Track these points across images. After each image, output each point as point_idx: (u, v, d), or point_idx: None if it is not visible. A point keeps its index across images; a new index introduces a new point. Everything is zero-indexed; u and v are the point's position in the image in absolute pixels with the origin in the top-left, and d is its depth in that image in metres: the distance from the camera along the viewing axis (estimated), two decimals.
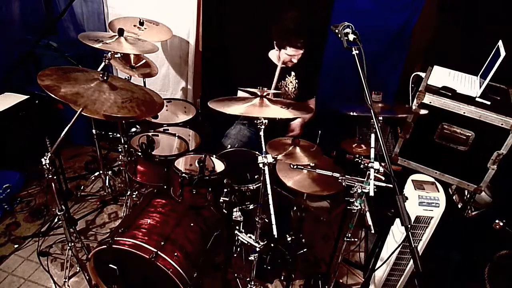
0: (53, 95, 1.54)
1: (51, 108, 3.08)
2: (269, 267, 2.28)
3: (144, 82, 2.92)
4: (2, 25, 3.14)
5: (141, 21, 2.72)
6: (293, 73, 2.59)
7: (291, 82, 2.60)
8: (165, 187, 2.18)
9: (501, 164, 2.01)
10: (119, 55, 2.44)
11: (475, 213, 2.43)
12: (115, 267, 1.91)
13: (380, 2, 2.64)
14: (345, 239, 2.04)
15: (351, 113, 1.90)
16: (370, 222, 1.83)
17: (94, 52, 2.29)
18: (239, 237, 1.96)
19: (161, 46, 3.17)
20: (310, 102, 2.71)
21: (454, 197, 2.57)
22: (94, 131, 2.71)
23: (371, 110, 1.44)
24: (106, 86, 1.73)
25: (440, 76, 2.31)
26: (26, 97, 3.01)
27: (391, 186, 1.29)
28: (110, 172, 3.04)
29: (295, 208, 2.40)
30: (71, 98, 1.58)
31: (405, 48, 2.77)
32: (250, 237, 1.93)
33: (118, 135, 2.40)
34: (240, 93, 2.58)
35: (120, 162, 2.61)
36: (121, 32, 2.30)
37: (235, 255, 2.32)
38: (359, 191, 1.79)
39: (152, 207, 2.14)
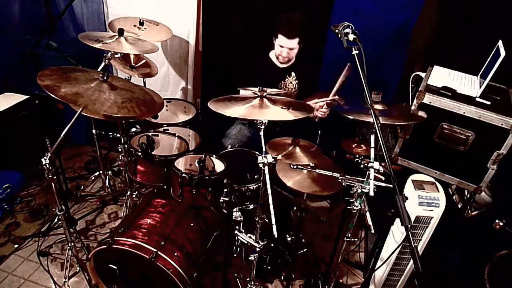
0: (53, 95, 1.54)
1: (51, 108, 3.09)
2: (269, 267, 2.28)
3: (144, 82, 2.92)
4: (2, 25, 3.14)
5: (141, 21, 2.72)
6: (293, 74, 2.59)
7: (291, 82, 2.59)
8: (165, 187, 2.18)
9: (501, 164, 2.01)
10: (119, 55, 2.44)
11: (475, 213, 2.43)
12: (115, 267, 1.91)
13: (380, 2, 2.64)
14: (345, 239, 2.04)
15: (349, 117, 1.90)
16: (370, 222, 1.83)
17: (94, 52, 2.29)
18: (239, 237, 1.96)
19: (161, 46, 3.17)
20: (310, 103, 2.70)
21: (454, 197, 2.57)
22: (94, 131, 2.71)
23: (371, 111, 1.44)
24: (106, 86, 1.73)
25: (440, 76, 2.31)
26: (26, 97, 3.02)
27: (391, 186, 1.29)
28: (110, 172, 3.04)
29: (295, 208, 2.41)
30: (71, 98, 1.58)
31: (405, 48, 2.77)
32: (250, 237, 1.93)
33: (118, 135, 2.40)
34: (242, 92, 2.57)
35: (120, 162, 2.61)
36: (121, 32, 2.30)
37: (235, 255, 2.32)
38: (359, 191, 1.79)
39: (152, 207, 2.14)
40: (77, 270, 2.28)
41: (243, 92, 2.46)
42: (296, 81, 2.60)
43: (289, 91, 2.60)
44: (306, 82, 2.63)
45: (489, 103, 2.03)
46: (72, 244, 2.07)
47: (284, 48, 2.42)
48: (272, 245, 2.21)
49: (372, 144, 1.73)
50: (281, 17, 2.37)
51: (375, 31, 2.65)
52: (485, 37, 2.32)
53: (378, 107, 2.00)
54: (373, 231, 1.87)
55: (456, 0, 2.58)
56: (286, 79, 2.59)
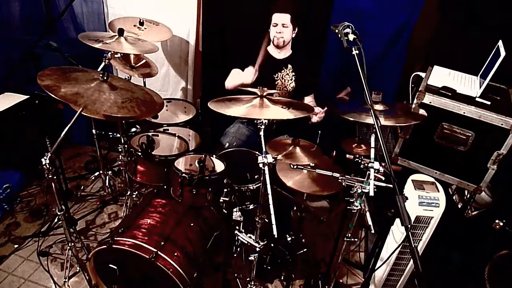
0: (53, 95, 1.54)
1: (51, 108, 3.08)
2: (269, 267, 2.28)
3: (144, 82, 2.92)
4: (2, 25, 3.14)
5: (141, 21, 2.72)
6: (289, 66, 2.60)
7: (287, 74, 2.60)
8: (165, 187, 2.18)
9: (501, 164, 2.01)
10: (119, 55, 2.44)
11: (475, 213, 2.43)
12: (115, 267, 1.91)
13: (380, 2, 2.64)
14: (345, 239, 2.04)
15: (349, 119, 1.90)
16: (370, 222, 1.83)
17: (94, 52, 2.29)
18: (239, 237, 1.96)
19: (161, 46, 3.17)
20: (306, 99, 2.71)
21: (454, 197, 2.57)
22: (94, 131, 2.71)
23: (371, 110, 1.44)
24: (106, 86, 1.73)
25: (440, 76, 2.31)
26: (26, 97, 3.01)
27: (391, 186, 1.29)
28: (110, 172, 3.04)
29: (295, 208, 2.41)
30: (71, 98, 1.58)
31: (405, 48, 2.77)
32: (250, 237, 1.93)
33: (118, 135, 2.40)
34: (235, 72, 2.59)
35: (120, 162, 2.61)
36: (121, 32, 2.30)
37: (235, 255, 2.32)
38: (359, 191, 1.79)
39: (152, 207, 2.14)
40: (77, 270, 2.28)
41: (233, 80, 2.47)
42: (293, 73, 2.61)
43: (285, 82, 2.61)
44: (303, 76, 2.62)
45: (489, 103, 2.03)
46: (72, 244, 2.06)
47: (277, 27, 2.45)
48: (272, 245, 2.21)
49: (372, 144, 1.73)
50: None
51: (375, 31, 2.66)
52: (485, 37, 2.32)
53: (378, 107, 2.00)
54: (373, 231, 1.87)
55: (456, 0, 2.58)
56: (283, 71, 2.60)
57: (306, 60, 2.68)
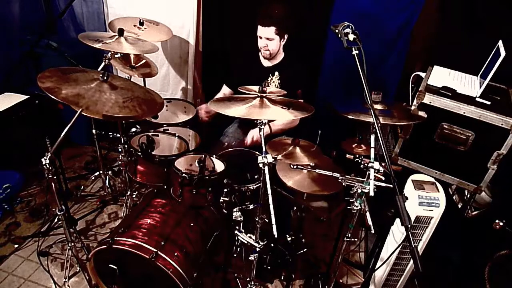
0: (54, 98, 1.54)
1: (51, 108, 3.09)
2: (269, 267, 2.28)
3: (144, 82, 2.92)
4: (2, 25, 3.14)
5: (141, 21, 2.72)
6: (276, 73, 2.56)
7: (273, 81, 2.57)
8: (165, 187, 2.18)
9: (501, 164, 2.01)
10: (119, 55, 2.44)
11: (475, 213, 2.43)
12: (115, 267, 1.91)
13: (380, 2, 2.64)
14: (345, 239, 2.04)
15: (349, 116, 1.90)
16: (370, 222, 1.83)
17: (94, 52, 2.29)
18: (239, 237, 1.96)
19: (161, 46, 3.17)
20: None
21: (454, 197, 2.57)
22: (94, 131, 2.71)
23: (371, 110, 1.44)
24: (106, 86, 1.73)
25: (440, 76, 2.31)
26: (26, 97, 3.01)
27: (391, 186, 1.29)
28: (110, 172, 3.04)
29: (295, 208, 2.41)
30: (73, 100, 1.58)
31: (405, 48, 2.77)
32: (250, 237, 1.93)
33: (118, 135, 2.40)
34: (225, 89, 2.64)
35: (120, 162, 2.61)
36: (121, 32, 2.30)
37: (235, 255, 2.32)
38: (359, 191, 1.79)
39: (152, 207, 2.14)
40: (77, 270, 2.28)
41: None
42: (279, 81, 2.56)
43: None
44: (287, 82, 2.54)
45: (489, 103, 2.03)
46: (72, 244, 2.06)
47: (262, 40, 2.41)
48: (272, 245, 2.21)
49: (372, 144, 1.73)
50: (260, 9, 2.38)
51: (375, 31, 2.66)
52: (485, 37, 2.32)
53: (378, 107, 2.00)
54: (373, 231, 1.87)
55: (456, 0, 2.58)
56: (269, 78, 2.57)
57: (298, 63, 2.58)
